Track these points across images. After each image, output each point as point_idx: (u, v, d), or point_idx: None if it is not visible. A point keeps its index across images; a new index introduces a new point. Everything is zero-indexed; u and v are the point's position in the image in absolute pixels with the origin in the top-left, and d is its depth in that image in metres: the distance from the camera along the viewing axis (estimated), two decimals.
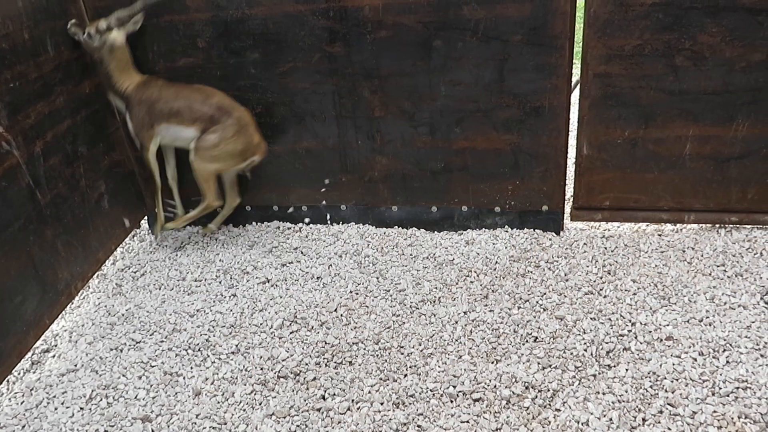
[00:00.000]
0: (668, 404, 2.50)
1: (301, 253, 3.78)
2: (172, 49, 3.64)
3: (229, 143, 3.46)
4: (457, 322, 3.06)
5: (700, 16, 3.09)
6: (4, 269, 2.90)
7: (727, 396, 2.51)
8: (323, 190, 3.93)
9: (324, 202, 3.98)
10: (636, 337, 2.85)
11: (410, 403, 2.63)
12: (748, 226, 3.56)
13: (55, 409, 2.80)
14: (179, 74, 3.69)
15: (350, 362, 2.89)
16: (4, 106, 2.92)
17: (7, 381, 3.04)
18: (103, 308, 3.48)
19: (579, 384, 2.65)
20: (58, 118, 3.31)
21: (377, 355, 2.91)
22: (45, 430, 2.68)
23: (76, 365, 3.05)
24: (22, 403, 2.87)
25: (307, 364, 2.88)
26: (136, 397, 2.80)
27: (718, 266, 3.27)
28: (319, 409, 2.65)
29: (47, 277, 3.19)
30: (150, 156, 3.64)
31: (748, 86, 3.20)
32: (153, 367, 2.98)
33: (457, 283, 3.36)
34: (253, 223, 4.13)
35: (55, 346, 3.27)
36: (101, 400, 2.81)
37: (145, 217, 4.24)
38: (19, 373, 3.10)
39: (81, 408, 2.78)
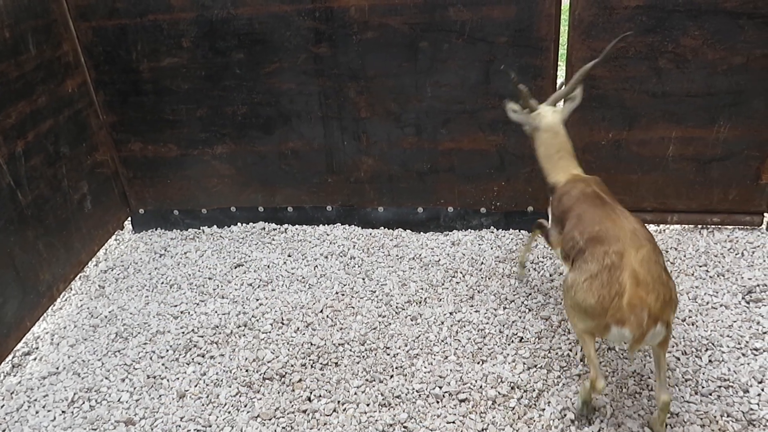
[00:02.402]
0: (652, 404, 2.51)
1: (287, 254, 3.77)
2: (156, 48, 3.60)
3: (581, 289, 2.22)
4: (443, 323, 3.07)
5: (682, 19, 3.13)
6: None
7: (710, 395, 2.53)
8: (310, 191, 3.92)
9: (310, 203, 3.97)
10: None
11: (396, 404, 2.63)
12: (730, 227, 3.61)
13: (37, 412, 2.76)
14: (163, 74, 3.66)
15: (336, 363, 2.88)
16: None
17: None
18: (86, 310, 3.44)
19: (564, 384, 2.66)
20: (39, 117, 3.27)
21: (363, 356, 2.90)
22: None
23: (57, 368, 3.01)
24: (2, 407, 2.82)
25: (292, 366, 2.87)
26: (119, 400, 2.77)
27: (700, 266, 3.31)
28: (304, 411, 2.63)
29: (28, 279, 3.15)
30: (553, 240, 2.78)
31: (730, 89, 3.24)
32: (136, 369, 2.94)
33: (443, 284, 3.37)
34: (239, 223, 4.11)
35: (37, 348, 3.22)
36: (84, 403, 2.78)
37: (129, 218, 4.20)
38: None
39: (63, 411, 2.74)
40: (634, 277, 2.09)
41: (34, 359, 3.14)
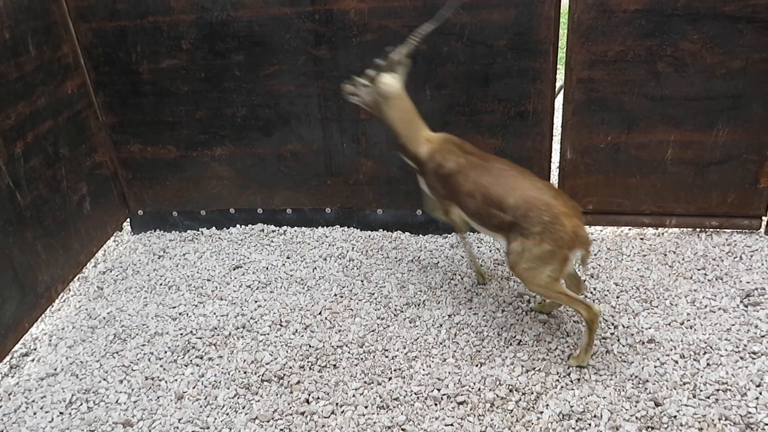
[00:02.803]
0: (650, 407, 2.52)
1: (286, 256, 3.77)
2: (156, 50, 3.61)
3: (535, 246, 2.62)
4: (441, 326, 3.07)
5: (681, 23, 3.14)
6: None
7: (708, 398, 2.53)
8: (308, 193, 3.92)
9: (309, 205, 3.97)
10: (618, 340, 2.88)
11: (394, 407, 2.63)
12: (728, 230, 3.61)
13: (34, 413, 2.75)
14: (163, 76, 3.67)
15: (334, 365, 2.88)
16: None
17: None
18: (84, 311, 3.44)
19: (562, 387, 2.66)
20: (39, 118, 3.27)
21: (362, 359, 2.90)
22: None
23: (56, 369, 3.01)
24: (0, 408, 2.81)
25: (291, 368, 2.87)
26: (117, 402, 2.77)
27: (698, 270, 3.31)
28: (303, 413, 2.63)
29: (27, 280, 3.14)
30: (454, 217, 3.05)
31: (729, 92, 3.25)
32: (134, 371, 2.94)
33: (441, 286, 3.37)
34: (238, 225, 4.11)
35: (35, 349, 3.22)
36: (81, 404, 2.77)
37: (127, 220, 4.20)
38: None
39: (61, 413, 2.74)
40: (565, 215, 2.62)
41: (32, 360, 3.14)
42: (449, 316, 3.13)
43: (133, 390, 2.83)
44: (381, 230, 3.96)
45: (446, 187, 2.94)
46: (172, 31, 3.55)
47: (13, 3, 3.09)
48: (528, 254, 2.63)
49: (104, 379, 2.90)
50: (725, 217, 3.57)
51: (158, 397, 2.78)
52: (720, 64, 3.20)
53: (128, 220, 4.20)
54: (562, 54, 3.47)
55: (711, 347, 2.78)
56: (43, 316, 3.40)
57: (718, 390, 2.56)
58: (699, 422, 2.43)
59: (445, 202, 3.02)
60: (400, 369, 2.82)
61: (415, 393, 2.68)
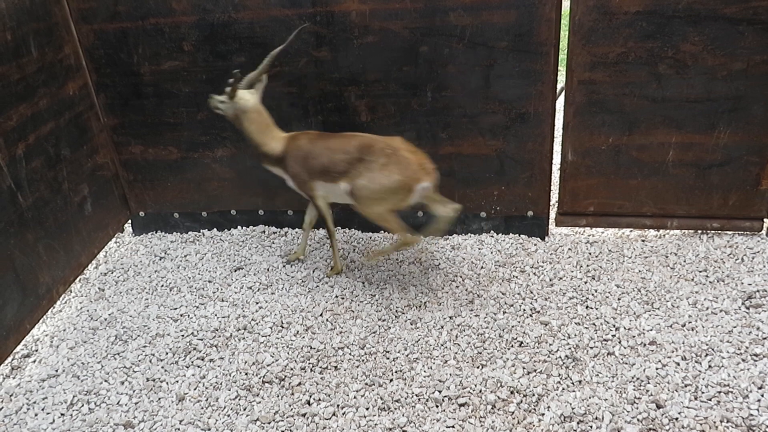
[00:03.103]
0: (651, 409, 2.52)
1: (287, 257, 3.77)
2: (158, 52, 3.61)
3: (382, 179, 2.99)
4: (442, 327, 3.07)
5: (682, 25, 3.14)
6: None
7: (710, 400, 2.53)
8: None
9: None
10: (620, 342, 2.88)
11: (396, 408, 2.63)
12: (730, 232, 3.61)
13: (36, 415, 2.75)
14: (164, 77, 3.67)
15: (336, 367, 2.88)
16: None
17: None
18: (86, 313, 3.44)
19: (564, 389, 2.66)
20: (40, 120, 3.27)
21: (363, 360, 2.90)
22: None
23: (57, 370, 3.01)
24: (1, 409, 2.81)
25: (292, 369, 2.87)
26: (118, 403, 2.77)
27: (700, 272, 3.31)
28: (304, 415, 2.63)
29: (28, 282, 3.15)
30: (320, 202, 3.36)
31: (730, 94, 3.25)
32: (136, 372, 2.94)
33: (442, 288, 3.37)
34: (239, 227, 4.11)
35: (36, 351, 3.22)
36: (83, 405, 2.77)
37: (129, 221, 4.20)
38: None
39: (62, 414, 2.74)
40: (408, 151, 3.03)
41: (34, 362, 3.14)
42: (450, 317, 3.13)
43: (134, 391, 2.83)
44: (382, 232, 3.95)
45: (304, 165, 3.24)
46: (174, 32, 3.55)
47: (15, 5, 3.09)
48: (374, 185, 3.01)
49: (105, 381, 2.90)
50: (726, 219, 3.57)
51: (159, 399, 2.78)
52: (721, 66, 3.20)
53: (129, 221, 4.20)
54: (563, 56, 3.48)
55: (713, 349, 2.78)
56: (44, 317, 3.40)
57: (719, 392, 2.56)
58: (701, 424, 2.43)
59: (310, 186, 3.29)
60: (401, 371, 2.82)
61: (416, 395, 2.68)
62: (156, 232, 4.19)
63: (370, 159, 3.02)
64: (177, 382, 2.86)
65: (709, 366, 2.70)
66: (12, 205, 3.05)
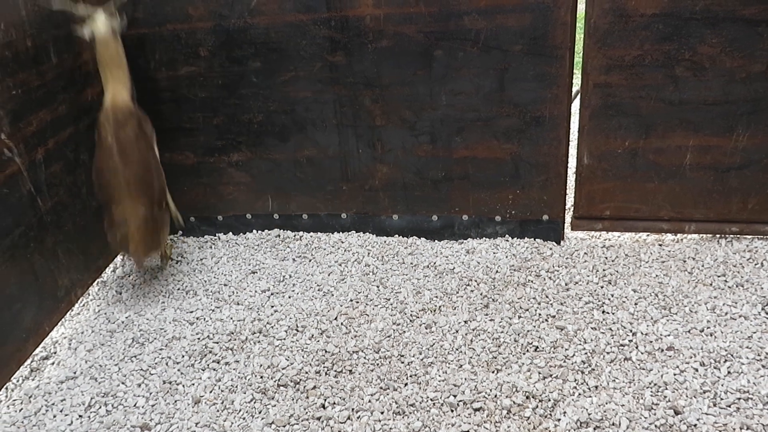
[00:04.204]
0: (669, 415, 2.49)
1: (302, 261, 3.78)
2: (174, 57, 3.65)
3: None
4: (457, 332, 3.06)
5: (699, 26, 3.11)
6: (4, 276, 2.90)
7: (729, 407, 2.50)
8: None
9: (325, 210, 3.99)
10: (637, 347, 2.85)
11: (410, 413, 2.62)
12: (749, 237, 3.56)
13: (54, 416, 2.79)
14: (181, 83, 3.71)
15: (350, 371, 2.88)
16: (6, 114, 2.93)
17: (6, 388, 3.03)
18: (103, 316, 3.48)
19: (580, 394, 2.64)
20: (60, 125, 3.32)
21: (377, 364, 2.90)
22: None
23: (75, 373, 3.04)
24: (20, 410, 2.85)
25: (307, 373, 2.87)
26: (135, 405, 2.79)
27: (718, 276, 3.27)
28: (318, 418, 2.64)
29: (47, 285, 3.19)
30: None
31: (748, 97, 3.21)
32: (152, 375, 2.97)
33: (457, 292, 3.36)
34: (254, 231, 4.13)
35: (55, 353, 3.26)
36: (100, 407, 2.80)
37: None
38: (17, 381, 3.09)
39: (80, 416, 2.77)
40: None
41: (52, 364, 3.18)
42: (465, 322, 3.12)
43: (150, 394, 2.85)
44: (397, 236, 3.96)
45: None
46: (190, 38, 3.59)
47: (36, 12, 3.15)
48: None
49: (123, 383, 2.93)
50: (746, 223, 3.52)
51: (176, 401, 2.80)
52: (740, 68, 3.16)
53: None
54: (578, 59, 3.46)
55: (732, 355, 2.74)
56: (63, 320, 3.44)
57: (739, 399, 2.52)
58: (720, 431, 2.39)
59: None
60: (416, 375, 2.82)
61: (431, 399, 2.67)
62: (172, 236, 4.23)
63: None
64: (193, 384, 2.89)
65: (728, 372, 2.66)
66: (32, 210, 3.09)
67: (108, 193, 3.22)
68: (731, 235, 3.59)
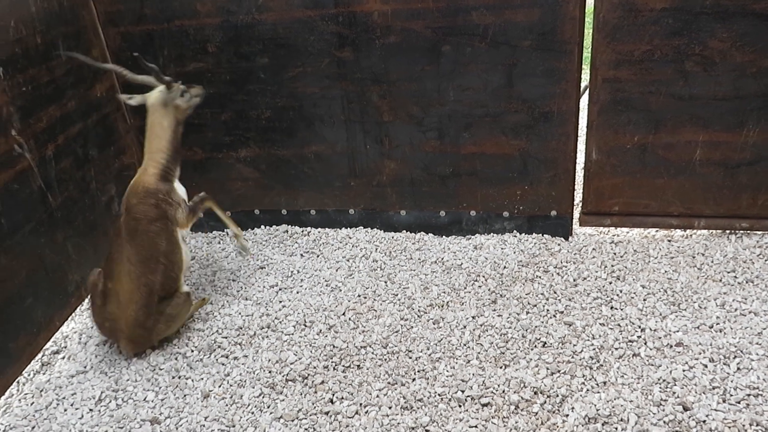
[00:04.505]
0: (678, 411, 2.48)
1: (310, 257, 3.79)
2: (182, 53, 3.66)
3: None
4: (465, 327, 3.06)
5: (710, 21, 3.09)
6: (16, 271, 2.92)
7: (738, 403, 2.49)
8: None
9: (332, 206, 3.99)
10: (645, 343, 2.84)
11: (418, 408, 2.63)
12: (759, 232, 3.54)
13: (65, 410, 2.81)
14: (189, 79, 3.71)
15: (358, 366, 2.89)
16: (16, 110, 2.95)
17: (18, 382, 3.06)
18: None
19: (588, 390, 2.63)
20: (69, 121, 3.34)
21: (385, 359, 2.91)
22: (55, 431, 2.69)
23: (85, 367, 3.07)
24: (32, 404, 2.88)
25: (315, 368, 2.88)
26: (144, 399, 2.81)
27: (728, 272, 3.25)
28: (327, 413, 2.65)
29: (57, 279, 3.21)
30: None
31: (759, 92, 3.19)
32: (162, 369, 2.98)
33: (465, 288, 3.36)
34: (262, 226, 4.14)
35: (65, 347, 3.29)
36: (110, 401, 2.82)
37: None
38: (29, 374, 3.12)
39: (90, 410, 2.79)
40: None
41: (63, 358, 3.20)
42: (473, 317, 3.12)
43: (160, 388, 2.87)
44: (404, 231, 3.96)
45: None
46: (198, 34, 3.60)
47: (45, 9, 3.16)
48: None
49: (132, 377, 2.95)
50: (756, 218, 3.50)
51: (185, 396, 2.82)
52: (750, 62, 3.14)
53: None
54: (587, 54, 3.44)
55: (741, 351, 2.73)
56: (73, 314, 3.47)
57: (749, 395, 2.51)
58: (729, 427, 2.39)
59: None
60: (423, 370, 2.82)
61: (439, 394, 2.67)
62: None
63: None
64: (202, 379, 2.90)
65: (738, 368, 2.65)
66: (42, 205, 3.11)
67: (108, 266, 2.99)
68: (741, 231, 3.57)
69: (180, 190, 3.19)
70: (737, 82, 3.19)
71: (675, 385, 2.60)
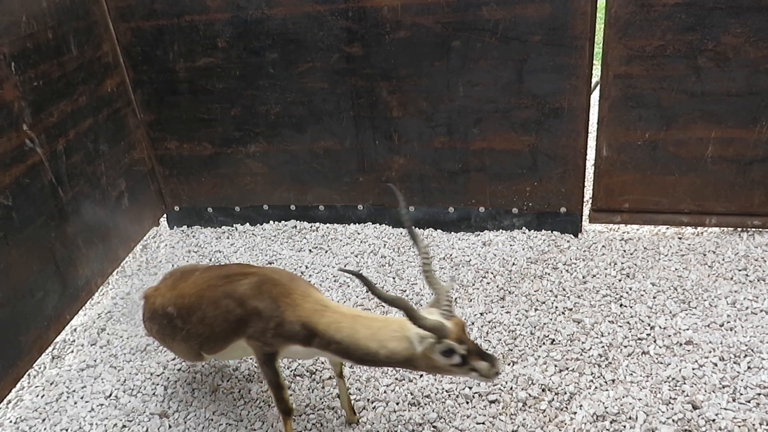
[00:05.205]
0: (687, 410, 2.46)
1: (318, 252, 3.79)
2: (192, 49, 3.67)
3: None
4: (473, 324, 3.05)
5: (723, 16, 3.05)
6: (27, 265, 2.94)
7: (749, 402, 2.46)
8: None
9: (341, 201, 3.99)
10: (655, 341, 2.82)
11: (426, 404, 2.62)
12: None
13: (75, 403, 2.83)
14: (199, 74, 3.73)
15: None
16: (28, 105, 2.97)
17: (28, 375, 3.09)
18: (122, 304, 3.52)
19: (597, 387, 2.62)
20: (80, 116, 3.36)
21: None
22: (65, 424, 2.71)
23: (95, 360, 3.09)
24: (42, 396, 2.91)
25: (322, 363, 2.89)
26: (154, 393, 2.83)
27: (739, 270, 3.22)
28: (333, 408, 2.65)
29: (68, 273, 3.24)
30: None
31: None
32: (170, 363, 3.00)
33: (473, 284, 3.35)
34: (271, 222, 4.15)
35: (75, 341, 3.31)
36: (120, 395, 2.84)
37: (164, 215, 4.28)
38: (39, 368, 3.15)
39: (101, 404, 2.81)
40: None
41: (73, 352, 3.23)
42: (481, 314, 3.11)
43: (169, 382, 2.89)
44: (413, 227, 3.94)
45: None
46: (208, 29, 3.60)
47: (56, 4, 3.18)
48: None
49: (141, 371, 2.97)
50: None
51: (193, 390, 2.83)
52: (764, 58, 3.10)
53: (165, 215, 4.29)
54: (598, 49, 3.41)
55: (752, 350, 2.70)
56: (83, 308, 3.49)
57: (759, 394, 2.49)
58: (739, 426, 2.37)
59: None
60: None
61: (446, 391, 2.67)
62: (190, 227, 4.26)
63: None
64: (210, 374, 2.91)
65: (749, 367, 2.63)
66: (53, 199, 3.14)
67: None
68: (753, 229, 3.53)
69: (295, 349, 2.28)
70: (751, 78, 3.15)
71: (684, 383, 2.58)
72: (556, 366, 2.74)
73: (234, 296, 2.27)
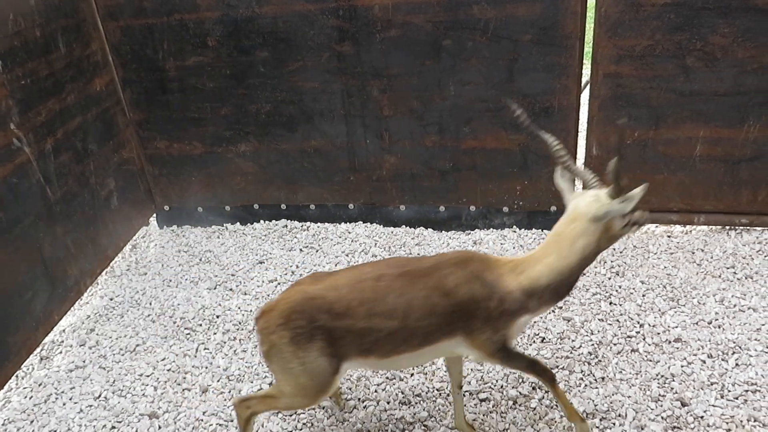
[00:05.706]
0: (676, 407, 2.48)
1: (309, 251, 3.79)
2: (182, 47, 3.65)
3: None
4: None
5: (712, 16, 3.07)
6: (15, 265, 2.92)
7: (736, 399, 2.49)
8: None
9: (332, 201, 3.99)
10: (644, 339, 2.84)
11: (417, 402, 2.63)
12: (759, 228, 3.53)
13: (64, 404, 2.81)
14: (189, 73, 3.71)
15: None
16: (15, 103, 2.94)
17: (16, 376, 3.06)
18: (111, 305, 3.50)
19: (586, 385, 2.63)
20: (68, 115, 3.33)
21: None
22: (53, 426, 2.69)
23: (84, 361, 3.07)
24: (30, 398, 2.88)
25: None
26: (143, 394, 2.82)
27: (727, 268, 3.25)
28: (324, 408, 2.65)
29: (56, 274, 3.21)
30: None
31: (761, 88, 3.18)
32: (160, 364, 2.99)
33: None
34: (262, 221, 4.14)
35: (64, 342, 3.29)
36: (109, 396, 2.83)
37: (154, 215, 4.26)
38: (27, 369, 3.12)
39: (89, 405, 2.79)
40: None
41: (61, 352, 3.21)
42: None
43: (158, 383, 2.87)
44: (404, 226, 3.95)
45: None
46: (198, 28, 3.58)
47: (44, 2, 3.15)
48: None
49: (131, 372, 2.95)
50: (756, 214, 3.49)
51: (183, 390, 2.82)
52: (752, 58, 3.13)
53: (155, 215, 4.26)
54: (588, 49, 3.43)
55: (740, 347, 2.73)
56: (72, 309, 3.47)
57: (747, 391, 2.51)
58: (727, 423, 2.39)
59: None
60: (422, 366, 2.82)
61: (437, 389, 2.68)
62: (180, 226, 4.24)
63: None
64: (201, 374, 2.90)
65: (737, 364, 2.65)
66: (41, 199, 3.11)
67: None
68: (741, 227, 3.56)
69: (521, 322, 2.14)
70: (739, 77, 3.18)
71: (673, 380, 2.60)
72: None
73: (443, 289, 2.04)
